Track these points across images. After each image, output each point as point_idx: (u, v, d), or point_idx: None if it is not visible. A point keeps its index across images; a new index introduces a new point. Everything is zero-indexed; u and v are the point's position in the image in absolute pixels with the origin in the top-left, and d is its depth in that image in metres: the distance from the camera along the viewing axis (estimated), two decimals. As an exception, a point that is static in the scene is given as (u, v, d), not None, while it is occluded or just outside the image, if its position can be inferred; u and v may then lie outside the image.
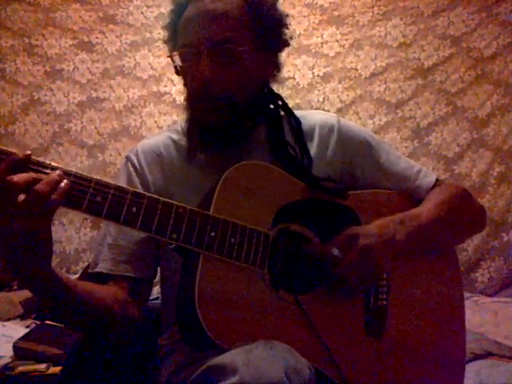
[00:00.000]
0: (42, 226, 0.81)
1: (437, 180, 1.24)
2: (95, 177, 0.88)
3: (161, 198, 0.93)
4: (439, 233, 1.15)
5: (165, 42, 1.17)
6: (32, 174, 0.81)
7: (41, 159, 0.84)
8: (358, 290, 1.06)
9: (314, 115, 1.24)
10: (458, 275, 1.21)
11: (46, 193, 0.79)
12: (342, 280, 1.02)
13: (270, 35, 1.12)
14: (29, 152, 0.82)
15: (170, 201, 0.94)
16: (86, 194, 0.86)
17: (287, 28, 1.16)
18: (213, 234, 0.95)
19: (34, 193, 0.79)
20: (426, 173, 1.24)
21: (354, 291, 1.06)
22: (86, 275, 1.14)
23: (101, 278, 1.10)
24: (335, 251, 1.02)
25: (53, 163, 0.85)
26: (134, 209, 0.90)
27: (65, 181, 0.83)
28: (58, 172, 0.83)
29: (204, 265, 0.93)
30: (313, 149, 1.18)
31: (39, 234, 0.81)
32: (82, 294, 0.97)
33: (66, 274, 0.96)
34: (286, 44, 1.17)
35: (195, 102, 1.11)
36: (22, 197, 0.79)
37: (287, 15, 1.17)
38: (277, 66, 1.17)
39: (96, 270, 1.12)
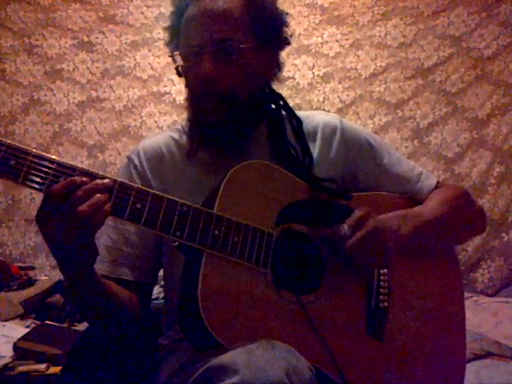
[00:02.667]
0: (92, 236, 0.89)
1: (437, 183, 1.24)
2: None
3: (165, 195, 0.93)
4: (441, 231, 1.16)
5: (166, 43, 1.17)
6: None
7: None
8: (364, 270, 1.06)
9: (316, 115, 1.24)
10: (459, 276, 1.21)
11: (104, 200, 0.87)
12: (350, 256, 1.01)
13: (270, 33, 1.12)
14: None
15: (175, 198, 0.94)
16: None
17: (287, 27, 1.16)
18: (216, 232, 0.95)
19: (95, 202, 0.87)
20: (427, 175, 1.24)
21: (360, 270, 1.06)
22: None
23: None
24: (345, 228, 1.01)
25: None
26: (139, 205, 0.91)
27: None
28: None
29: (207, 263, 0.94)
30: (316, 149, 1.18)
31: (90, 242, 0.89)
32: (108, 289, 1.03)
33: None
34: (286, 42, 1.17)
35: (197, 101, 1.10)
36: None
37: (287, 13, 1.17)
38: (278, 65, 1.17)
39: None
